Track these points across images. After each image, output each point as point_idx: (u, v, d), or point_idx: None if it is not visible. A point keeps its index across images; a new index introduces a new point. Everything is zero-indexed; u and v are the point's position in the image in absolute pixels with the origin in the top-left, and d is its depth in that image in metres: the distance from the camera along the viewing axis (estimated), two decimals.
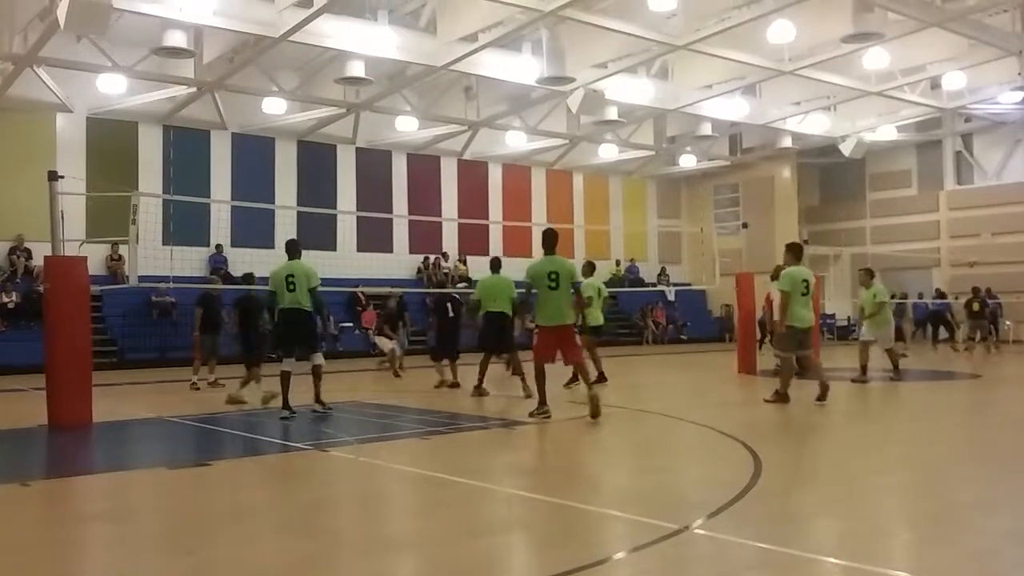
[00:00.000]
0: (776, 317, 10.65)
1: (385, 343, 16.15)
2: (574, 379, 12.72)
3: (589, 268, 13.53)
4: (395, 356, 15.54)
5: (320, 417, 9.75)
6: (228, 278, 20.58)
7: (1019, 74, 20.25)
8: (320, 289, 10.03)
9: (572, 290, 9.23)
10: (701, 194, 32.08)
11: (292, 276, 9.68)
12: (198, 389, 13.29)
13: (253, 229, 22.00)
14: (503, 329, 11.78)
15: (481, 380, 11.69)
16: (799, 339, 10.23)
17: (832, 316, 27.14)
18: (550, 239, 9.34)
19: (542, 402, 9.11)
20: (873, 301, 13.11)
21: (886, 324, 13.56)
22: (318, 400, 9.93)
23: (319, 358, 9.99)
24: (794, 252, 10.64)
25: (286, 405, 9.71)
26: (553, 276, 8.95)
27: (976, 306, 20.40)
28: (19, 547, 4.70)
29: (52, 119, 20.16)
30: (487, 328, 11.83)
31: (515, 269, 15.84)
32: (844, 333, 26.56)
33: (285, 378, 9.80)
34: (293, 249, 10.01)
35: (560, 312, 9.03)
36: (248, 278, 12.82)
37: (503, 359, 12.76)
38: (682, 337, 28.24)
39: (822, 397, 10.09)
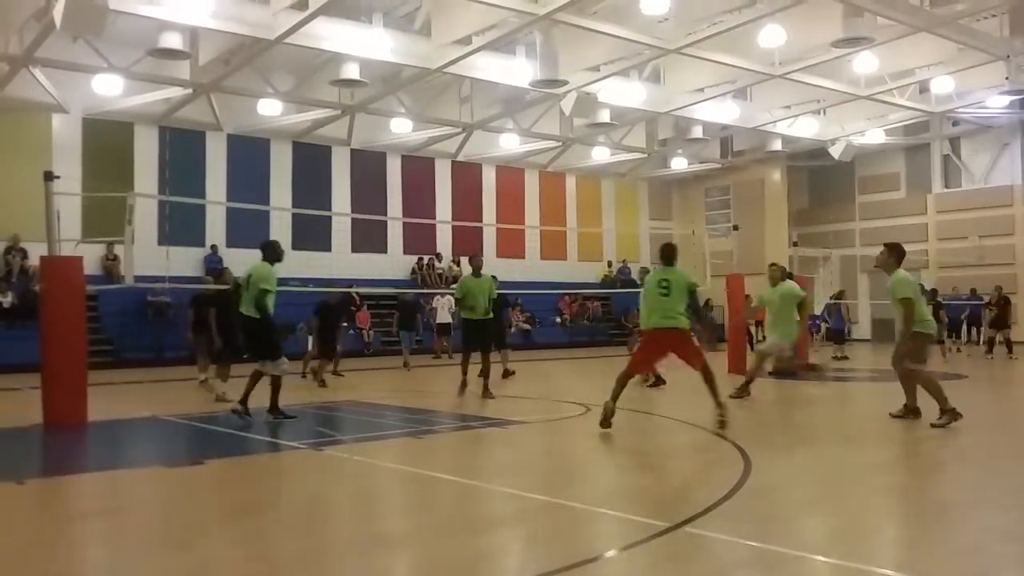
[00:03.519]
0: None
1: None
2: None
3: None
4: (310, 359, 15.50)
5: (316, 416, 9.86)
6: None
7: (1006, 78, 20.42)
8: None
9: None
10: (692, 196, 32.26)
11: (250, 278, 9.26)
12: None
13: (248, 230, 21.98)
14: (486, 332, 11.98)
15: (464, 379, 11.81)
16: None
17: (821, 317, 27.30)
18: (668, 252, 8.74)
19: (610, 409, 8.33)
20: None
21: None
22: (273, 409, 9.33)
23: (276, 367, 9.28)
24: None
25: (243, 401, 9.33)
26: (664, 284, 8.46)
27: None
28: (14, 545, 4.73)
29: (48, 119, 20.15)
30: (468, 331, 11.92)
31: (508, 269, 16.16)
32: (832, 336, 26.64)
33: (254, 377, 9.40)
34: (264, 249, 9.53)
35: (669, 315, 8.42)
36: (223, 273, 12.99)
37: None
38: None
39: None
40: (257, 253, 9.65)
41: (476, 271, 12.15)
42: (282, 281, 12.29)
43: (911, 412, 8.98)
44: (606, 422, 8.20)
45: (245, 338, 9.41)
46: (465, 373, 11.85)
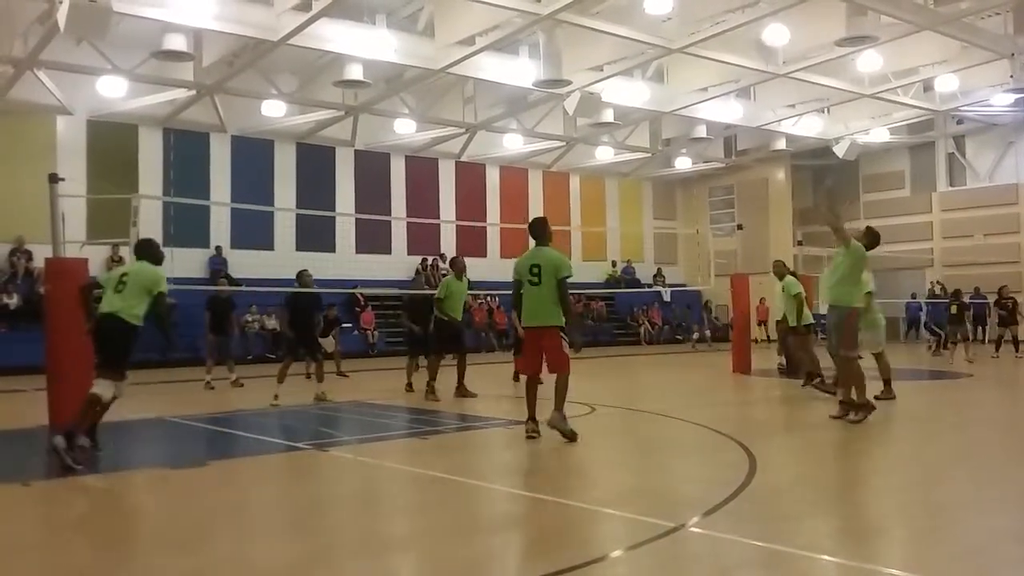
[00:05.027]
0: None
1: (329, 343, 16.47)
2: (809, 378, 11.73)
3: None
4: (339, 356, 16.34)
5: (320, 417, 9.80)
6: (230, 280, 20.74)
7: (1011, 76, 20.34)
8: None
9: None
10: (696, 196, 32.27)
11: (127, 275, 7.75)
12: (212, 388, 13.60)
13: (252, 231, 22.14)
14: (461, 334, 12.33)
15: (449, 381, 11.78)
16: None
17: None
18: (537, 228, 8.17)
19: (529, 417, 7.92)
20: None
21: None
22: (88, 438, 7.33)
23: (118, 388, 7.57)
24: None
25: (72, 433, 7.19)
26: (535, 270, 7.81)
27: (954, 309, 20.24)
28: (20, 547, 4.75)
29: (52, 122, 20.20)
30: (445, 333, 11.90)
31: (511, 269, 16.20)
32: None
33: (91, 404, 7.47)
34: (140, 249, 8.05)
35: (537, 310, 7.81)
36: (300, 276, 12.25)
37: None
38: (677, 337, 28.35)
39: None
40: (261, 254, 9.58)
41: (459, 274, 12.18)
42: (287, 283, 12.35)
43: (843, 406, 8.81)
44: (531, 433, 7.87)
45: (100, 342, 7.73)
46: (435, 377, 11.66)
